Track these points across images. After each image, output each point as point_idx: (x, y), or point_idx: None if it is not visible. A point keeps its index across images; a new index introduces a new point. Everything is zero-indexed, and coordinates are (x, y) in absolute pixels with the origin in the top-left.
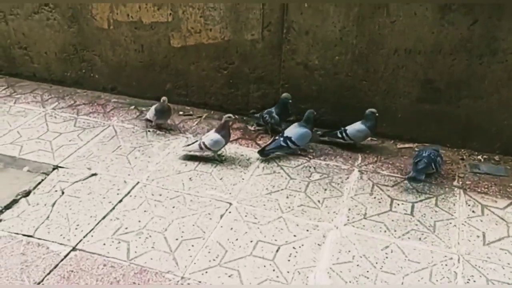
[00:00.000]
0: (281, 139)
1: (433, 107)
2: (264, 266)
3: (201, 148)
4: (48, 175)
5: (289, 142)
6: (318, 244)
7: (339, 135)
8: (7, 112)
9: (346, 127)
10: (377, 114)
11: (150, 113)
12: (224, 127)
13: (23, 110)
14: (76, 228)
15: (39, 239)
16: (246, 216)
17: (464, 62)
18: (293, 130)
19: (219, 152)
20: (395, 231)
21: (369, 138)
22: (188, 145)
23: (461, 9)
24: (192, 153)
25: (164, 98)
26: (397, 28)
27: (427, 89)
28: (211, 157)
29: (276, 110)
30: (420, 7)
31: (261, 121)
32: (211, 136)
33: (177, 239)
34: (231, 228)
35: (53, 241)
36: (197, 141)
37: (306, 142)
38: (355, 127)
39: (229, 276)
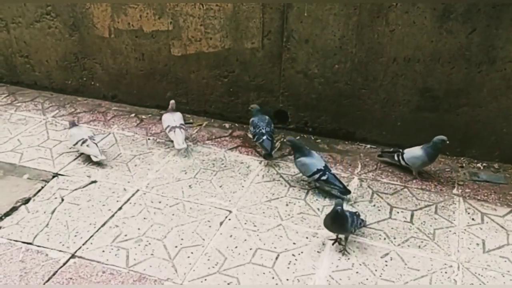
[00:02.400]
0: (396, 154)
1: (432, 115)
2: (264, 273)
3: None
4: (48, 182)
5: (400, 158)
6: (318, 252)
7: (396, 158)
8: (8, 120)
9: (404, 151)
10: (447, 142)
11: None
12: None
13: (23, 118)
14: (75, 236)
15: (38, 246)
16: (245, 223)
17: (462, 71)
18: (411, 150)
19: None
20: (394, 238)
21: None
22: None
23: (460, 18)
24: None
25: (172, 101)
26: (396, 37)
27: (426, 97)
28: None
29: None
30: (419, 16)
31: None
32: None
33: (176, 247)
34: (231, 236)
35: (52, 248)
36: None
37: (417, 165)
38: (413, 153)
39: (228, 284)
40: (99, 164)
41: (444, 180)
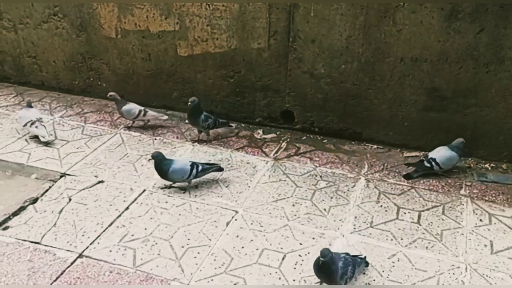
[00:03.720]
0: (425, 160)
1: (440, 116)
2: (270, 274)
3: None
4: (55, 182)
5: (433, 164)
6: None
7: (427, 164)
8: (16, 120)
9: (433, 156)
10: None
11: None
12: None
13: None
14: (82, 235)
15: (46, 245)
16: (252, 224)
17: (470, 71)
18: (440, 153)
19: None
20: (401, 239)
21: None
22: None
23: (468, 18)
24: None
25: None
26: (403, 37)
27: (434, 97)
28: None
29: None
30: (427, 16)
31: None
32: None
33: (183, 247)
34: (237, 236)
35: (60, 248)
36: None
37: (451, 165)
38: (445, 155)
39: (235, 284)
40: (106, 164)
41: (451, 181)
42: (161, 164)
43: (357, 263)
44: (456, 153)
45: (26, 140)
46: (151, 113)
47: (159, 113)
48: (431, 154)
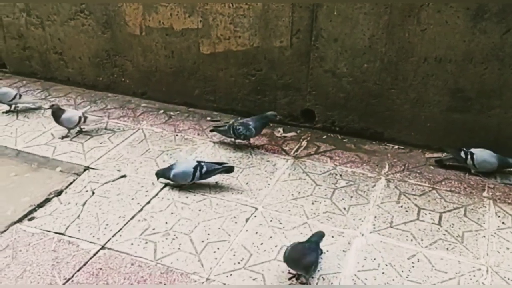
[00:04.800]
0: (463, 151)
1: (463, 117)
2: (289, 270)
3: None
4: (79, 175)
5: (469, 157)
6: (343, 251)
7: (463, 156)
8: (42, 114)
9: (472, 151)
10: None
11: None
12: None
13: None
14: (105, 228)
15: (70, 237)
16: (271, 221)
17: (496, 71)
18: (481, 152)
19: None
20: (422, 240)
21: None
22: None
23: (494, 18)
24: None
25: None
26: (427, 36)
27: (458, 98)
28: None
29: (253, 124)
30: (452, 15)
31: (230, 133)
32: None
33: (202, 241)
34: (256, 232)
35: (83, 239)
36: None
37: (484, 168)
38: (485, 158)
39: (254, 279)
40: (128, 159)
41: (474, 183)
42: (165, 171)
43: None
44: (497, 161)
45: (51, 134)
46: (91, 118)
47: (98, 117)
48: (472, 149)
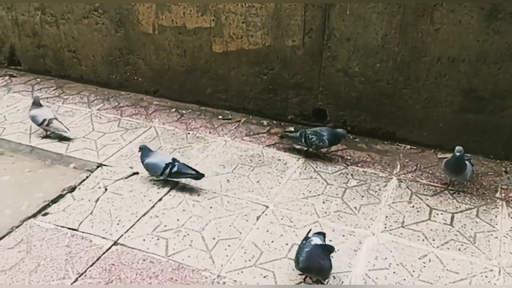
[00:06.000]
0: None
1: (476, 117)
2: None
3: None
4: (92, 172)
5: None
6: (354, 250)
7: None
8: (56, 111)
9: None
10: None
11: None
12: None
13: (70, 110)
14: (117, 224)
15: (83, 232)
16: (282, 219)
17: (510, 72)
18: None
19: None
20: (433, 240)
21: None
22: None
23: (508, 18)
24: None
25: (35, 95)
26: (440, 36)
27: (471, 98)
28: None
29: (328, 136)
30: (466, 15)
31: (302, 141)
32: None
33: (214, 239)
34: (267, 230)
35: (96, 235)
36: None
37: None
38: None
39: (264, 277)
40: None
41: (486, 184)
42: (141, 156)
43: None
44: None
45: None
46: (55, 125)
47: (64, 128)
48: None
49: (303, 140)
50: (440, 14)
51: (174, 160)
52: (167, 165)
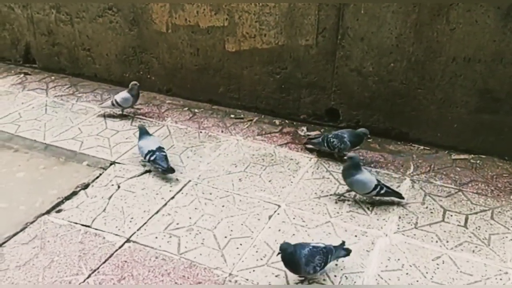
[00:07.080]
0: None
1: (492, 118)
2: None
3: (113, 104)
4: (105, 170)
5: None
6: (367, 251)
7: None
8: (70, 109)
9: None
10: None
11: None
12: (133, 89)
13: (84, 108)
14: (130, 221)
15: (96, 229)
16: (294, 218)
17: None
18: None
19: (127, 110)
20: (447, 242)
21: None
22: (102, 103)
23: None
24: (105, 110)
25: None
26: (456, 36)
27: (486, 98)
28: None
29: (349, 137)
30: (482, 15)
31: (324, 145)
32: (122, 94)
33: (226, 237)
34: (279, 230)
35: (109, 232)
36: (109, 98)
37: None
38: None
39: (276, 276)
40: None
41: (501, 185)
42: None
43: (331, 252)
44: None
45: (79, 128)
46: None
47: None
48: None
49: (325, 144)
50: (456, 14)
51: (158, 148)
52: (149, 151)
